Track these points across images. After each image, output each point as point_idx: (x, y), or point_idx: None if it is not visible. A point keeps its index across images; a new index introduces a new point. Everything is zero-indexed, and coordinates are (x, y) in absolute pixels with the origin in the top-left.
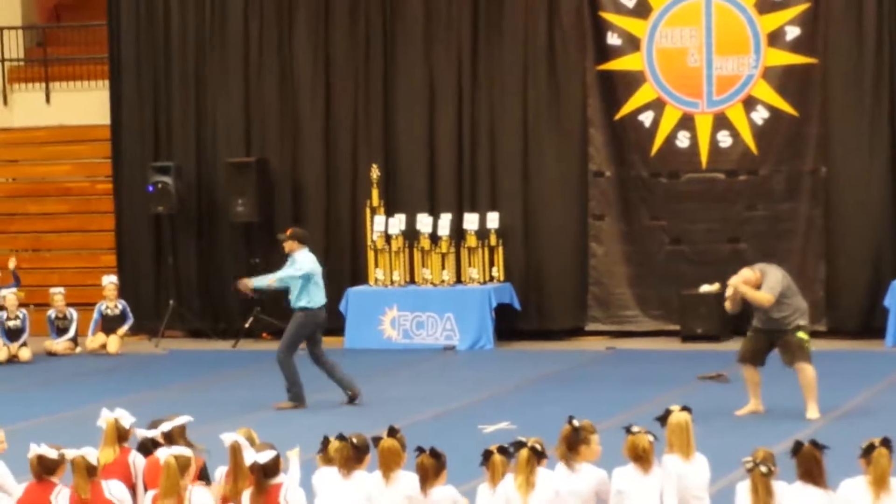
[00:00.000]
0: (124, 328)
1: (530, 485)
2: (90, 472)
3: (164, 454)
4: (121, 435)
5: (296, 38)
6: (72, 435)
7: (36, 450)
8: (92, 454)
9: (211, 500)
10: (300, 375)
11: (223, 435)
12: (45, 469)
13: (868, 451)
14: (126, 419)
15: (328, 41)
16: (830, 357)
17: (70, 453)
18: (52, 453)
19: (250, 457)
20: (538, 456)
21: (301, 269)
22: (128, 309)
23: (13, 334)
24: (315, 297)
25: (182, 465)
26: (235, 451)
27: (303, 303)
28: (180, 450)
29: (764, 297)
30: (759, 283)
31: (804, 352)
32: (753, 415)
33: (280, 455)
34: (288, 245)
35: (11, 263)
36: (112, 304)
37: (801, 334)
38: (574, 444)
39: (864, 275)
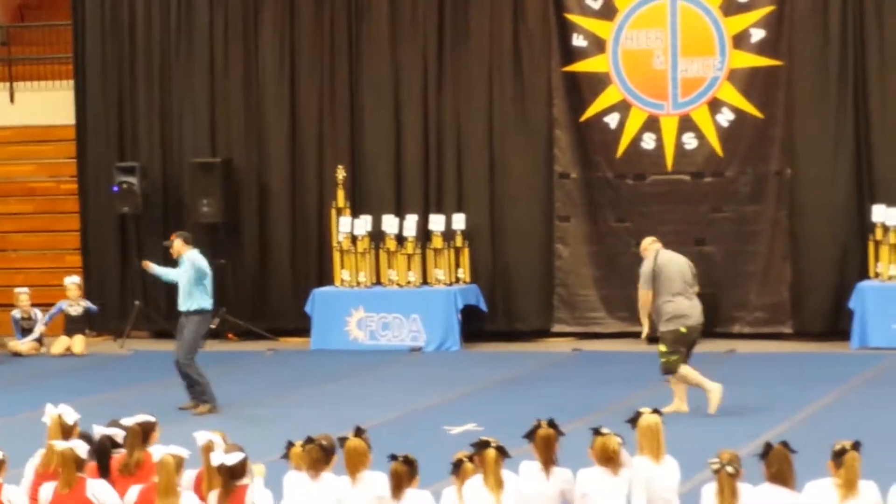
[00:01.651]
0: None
1: (500, 484)
2: (78, 464)
3: (159, 452)
4: (64, 431)
5: (261, 38)
6: (32, 435)
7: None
8: (81, 447)
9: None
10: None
11: (197, 433)
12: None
13: (839, 454)
14: (69, 415)
15: (294, 41)
16: (796, 359)
17: (59, 445)
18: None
19: (218, 458)
20: (503, 454)
21: (205, 265)
22: (91, 305)
23: None
24: (209, 298)
25: (178, 463)
26: (208, 450)
27: (200, 304)
28: (176, 448)
29: (640, 294)
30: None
31: (662, 367)
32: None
33: (248, 458)
34: (176, 247)
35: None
36: (74, 303)
37: (660, 346)
38: (553, 445)
39: (830, 277)
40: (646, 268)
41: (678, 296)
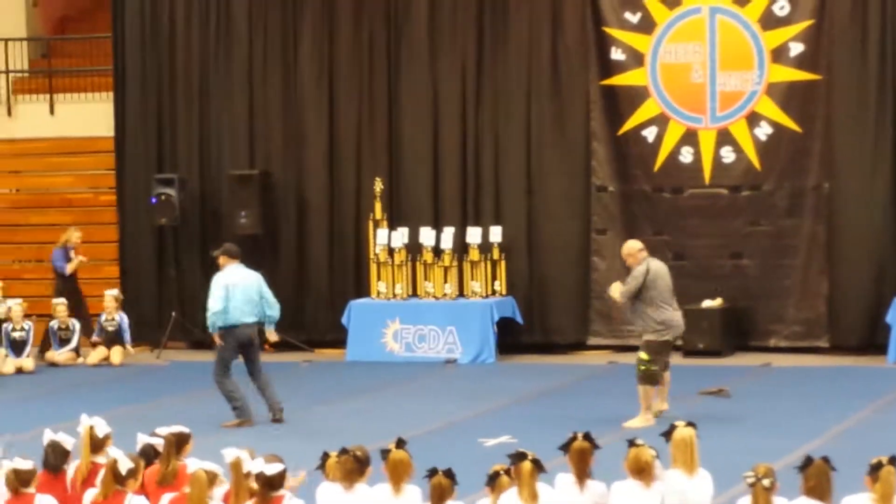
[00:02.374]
0: (124, 346)
1: (535, 497)
2: (118, 479)
3: (194, 466)
4: (95, 443)
5: (300, 50)
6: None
7: (9, 464)
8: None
9: None
10: (240, 390)
11: (225, 450)
12: (20, 482)
13: (876, 468)
14: (101, 428)
15: (332, 54)
16: (833, 373)
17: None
18: (26, 465)
19: (256, 466)
20: (539, 468)
21: (213, 283)
22: (125, 324)
23: (18, 346)
24: (228, 314)
25: (211, 479)
26: (237, 467)
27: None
28: (209, 464)
29: (615, 292)
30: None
31: (639, 374)
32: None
33: (287, 469)
34: (220, 262)
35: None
36: (110, 317)
37: (642, 354)
38: (588, 458)
39: (867, 291)
40: (637, 276)
41: (668, 306)
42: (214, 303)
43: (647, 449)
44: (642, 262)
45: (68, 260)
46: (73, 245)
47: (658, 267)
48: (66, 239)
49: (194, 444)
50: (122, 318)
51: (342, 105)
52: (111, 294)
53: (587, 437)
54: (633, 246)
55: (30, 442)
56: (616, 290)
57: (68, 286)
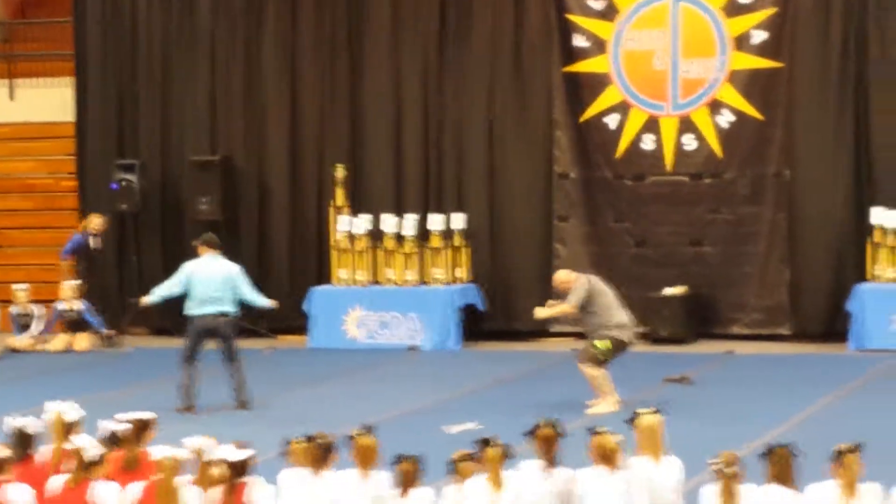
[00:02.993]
0: (91, 332)
1: (499, 483)
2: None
3: (160, 453)
4: (67, 430)
5: (263, 35)
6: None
7: None
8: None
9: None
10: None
11: (186, 440)
12: None
13: (839, 455)
14: (71, 412)
15: (295, 40)
16: (794, 361)
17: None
18: (2, 452)
19: (222, 453)
20: (506, 455)
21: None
22: (88, 313)
23: None
24: (188, 302)
25: (177, 465)
26: (200, 454)
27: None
28: (175, 450)
29: (564, 307)
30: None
31: (586, 353)
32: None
33: (254, 455)
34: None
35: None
36: (69, 305)
37: (599, 343)
38: (553, 445)
39: (828, 279)
40: (579, 287)
41: (621, 310)
42: (165, 283)
43: (609, 435)
44: (577, 280)
45: (88, 245)
46: (93, 231)
47: (596, 280)
48: (85, 225)
49: (159, 431)
50: (84, 306)
51: (304, 91)
52: (69, 283)
53: (553, 423)
54: (562, 274)
55: None
56: (542, 312)
57: (94, 271)
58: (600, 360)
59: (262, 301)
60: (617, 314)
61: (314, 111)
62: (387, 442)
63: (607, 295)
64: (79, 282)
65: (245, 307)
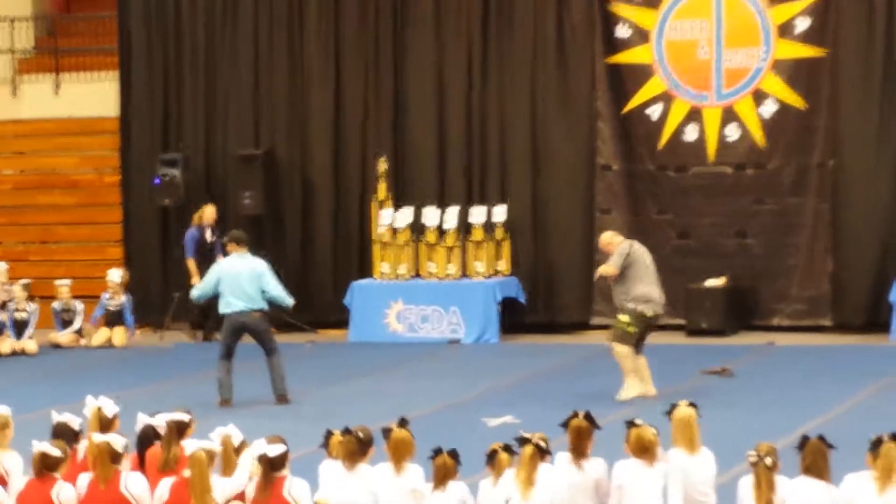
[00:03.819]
0: (124, 329)
1: (530, 482)
2: (111, 458)
3: (192, 447)
4: (104, 424)
5: (306, 29)
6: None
7: (39, 447)
8: (117, 441)
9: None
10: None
11: (214, 433)
12: (46, 466)
13: (876, 445)
14: (109, 408)
15: (338, 33)
16: (835, 352)
17: (96, 438)
18: (54, 451)
19: (259, 447)
20: (542, 453)
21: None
22: (128, 308)
23: (20, 326)
24: (222, 299)
25: (210, 457)
26: (227, 445)
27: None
28: (207, 443)
29: (606, 268)
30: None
31: (614, 332)
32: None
33: (289, 450)
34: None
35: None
36: (115, 297)
37: (621, 316)
38: (586, 437)
39: (871, 269)
40: (622, 251)
41: (650, 284)
42: (199, 285)
43: (648, 428)
44: (622, 244)
45: (204, 239)
46: (208, 223)
47: (639, 247)
48: (200, 216)
49: (196, 425)
50: (127, 300)
51: (347, 84)
52: (117, 273)
53: (587, 416)
54: (606, 236)
55: (35, 423)
56: (604, 269)
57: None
58: (625, 337)
59: (284, 298)
60: (642, 286)
61: (357, 104)
62: (426, 435)
63: (640, 265)
64: (123, 272)
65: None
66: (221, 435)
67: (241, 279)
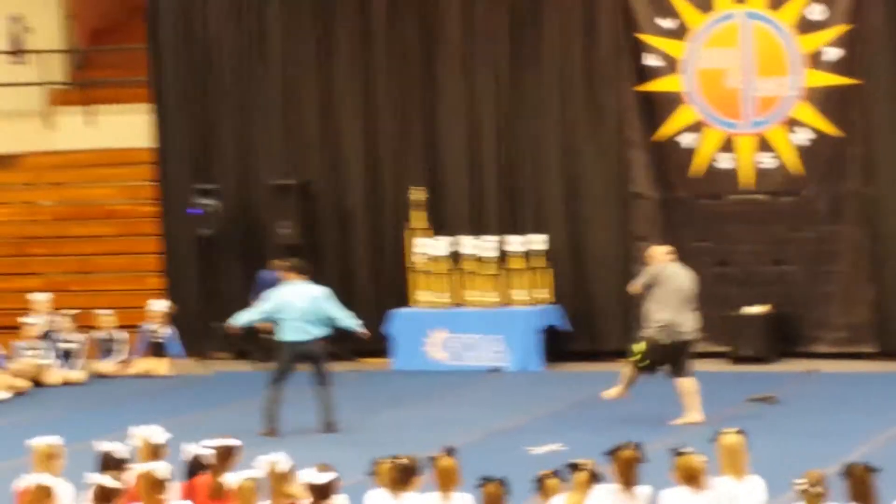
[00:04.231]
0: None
1: None
2: (156, 487)
3: (235, 479)
4: (152, 452)
5: (335, 57)
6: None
7: (95, 478)
8: (163, 469)
9: None
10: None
11: (259, 459)
12: (104, 498)
13: None
14: (158, 436)
15: (368, 63)
16: (880, 379)
17: (143, 467)
18: (112, 482)
19: (307, 475)
20: (595, 478)
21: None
22: (174, 338)
23: (67, 356)
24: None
25: (257, 487)
26: (273, 473)
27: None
28: (252, 472)
29: (633, 285)
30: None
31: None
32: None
33: (338, 477)
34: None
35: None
36: (159, 329)
37: (636, 346)
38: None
39: None
40: (650, 272)
41: (674, 309)
42: (253, 309)
43: (695, 456)
44: (661, 263)
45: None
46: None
47: (675, 271)
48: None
49: (243, 455)
50: (170, 331)
51: (379, 113)
52: (161, 305)
53: (636, 447)
54: (651, 250)
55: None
56: (630, 285)
57: None
58: (639, 366)
59: (353, 323)
60: (664, 311)
61: (389, 133)
62: (471, 464)
63: (668, 289)
64: (169, 304)
65: (336, 330)
66: (268, 462)
67: (305, 306)
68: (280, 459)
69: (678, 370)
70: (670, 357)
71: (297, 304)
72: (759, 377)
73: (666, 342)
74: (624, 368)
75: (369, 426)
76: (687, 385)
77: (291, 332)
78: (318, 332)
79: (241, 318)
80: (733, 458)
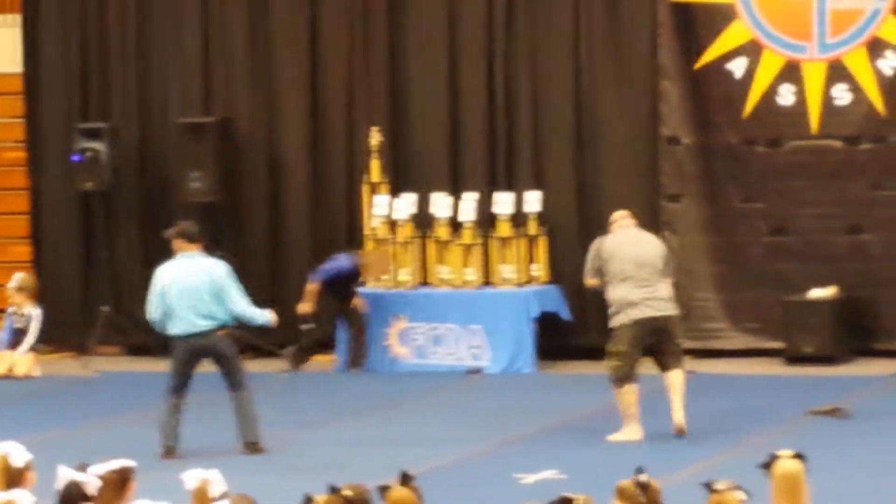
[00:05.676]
0: (23, 346)
1: None
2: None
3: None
4: (12, 477)
5: None
6: None
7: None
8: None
9: None
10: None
11: (185, 474)
12: None
13: None
14: (18, 456)
15: None
16: None
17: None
18: None
19: None
20: None
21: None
22: (33, 319)
23: None
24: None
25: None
26: (202, 494)
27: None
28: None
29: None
30: None
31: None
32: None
33: None
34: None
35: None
36: (20, 311)
37: (608, 346)
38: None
39: None
40: (589, 258)
41: (626, 283)
42: (150, 309)
43: (732, 494)
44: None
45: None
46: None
47: (616, 237)
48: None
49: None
50: (34, 313)
51: (326, 31)
52: (16, 282)
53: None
54: (613, 217)
55: None
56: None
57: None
58: (617, 372)
59: (256, 315)
60: (617, 290)
61: (341, 60)
62: (443, 495)
63: (614, 262)
64: (24, 276)
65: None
66: (198, 479)
67: (196, 288)
68: (213, 478)
69: (664, 361)
70: (651, 347)
71: (189, 286)
72: (824, 382)
73: (637, 319)
74: (619, 397)
75: (304, 446)
76: (672, 379)
77: (183, 323)
78: (220, 319)
79: (160, 330)
80: (790, 490)
